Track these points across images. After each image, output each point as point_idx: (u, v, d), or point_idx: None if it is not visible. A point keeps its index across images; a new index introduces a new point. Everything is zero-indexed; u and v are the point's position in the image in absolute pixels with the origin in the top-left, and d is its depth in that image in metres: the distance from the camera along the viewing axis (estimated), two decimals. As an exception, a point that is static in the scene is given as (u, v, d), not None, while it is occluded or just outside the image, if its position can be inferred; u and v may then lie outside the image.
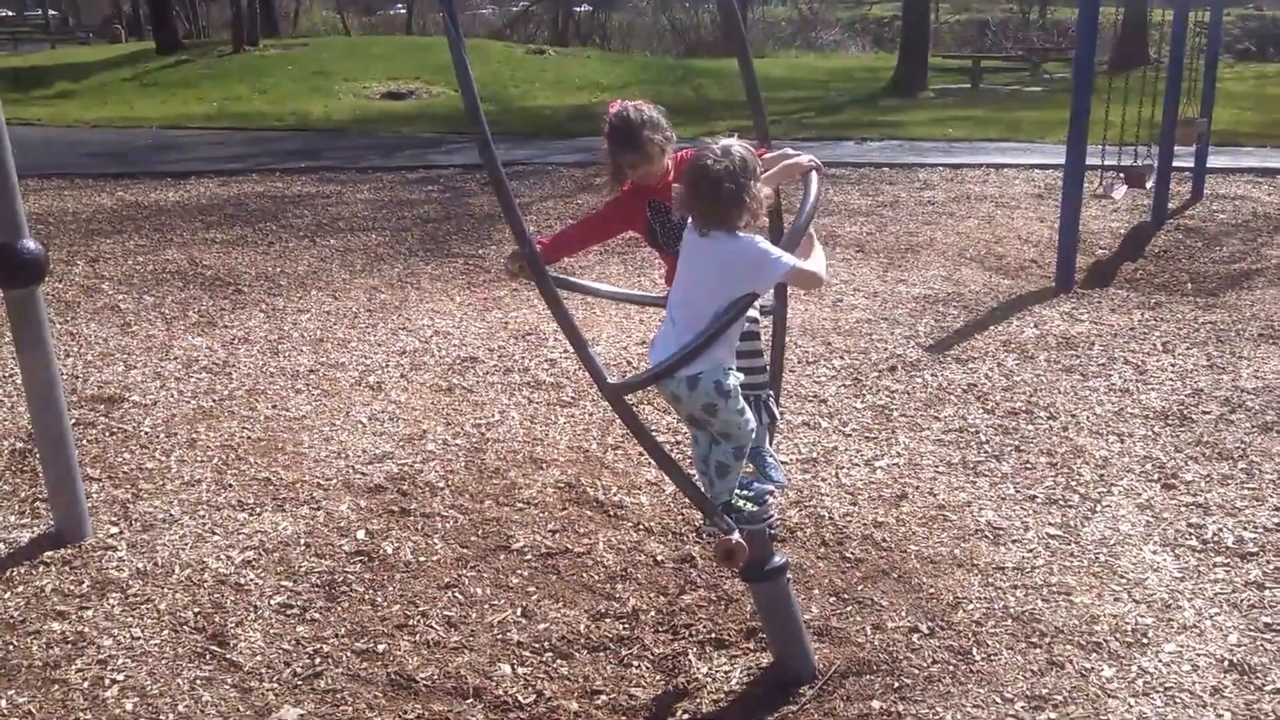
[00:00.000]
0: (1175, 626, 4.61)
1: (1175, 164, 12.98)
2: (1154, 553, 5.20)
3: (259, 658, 4.52)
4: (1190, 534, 5.37)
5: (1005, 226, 12.42)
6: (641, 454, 6.33)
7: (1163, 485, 5.90)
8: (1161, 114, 12.20)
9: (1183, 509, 5.63)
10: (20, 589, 5.01)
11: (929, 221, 12.66)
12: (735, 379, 3.94)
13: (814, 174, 4.18)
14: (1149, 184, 11.70)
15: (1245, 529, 5.40)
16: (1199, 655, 4.41)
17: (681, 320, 3.88)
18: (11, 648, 4.56)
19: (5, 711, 4.17)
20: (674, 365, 3.81)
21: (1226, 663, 4.35)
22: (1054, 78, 31.08)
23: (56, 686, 4.32)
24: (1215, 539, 5.31)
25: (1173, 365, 7.66)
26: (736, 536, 4.03)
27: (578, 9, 54.85)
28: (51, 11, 56.06)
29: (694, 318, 3.82)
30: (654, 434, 6.50)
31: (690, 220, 3.91)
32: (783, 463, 6.15)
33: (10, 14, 56.65)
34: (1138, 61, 22.85)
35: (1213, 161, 14.54)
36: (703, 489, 4.14)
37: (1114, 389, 7.24)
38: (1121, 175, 11.23)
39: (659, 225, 4.35)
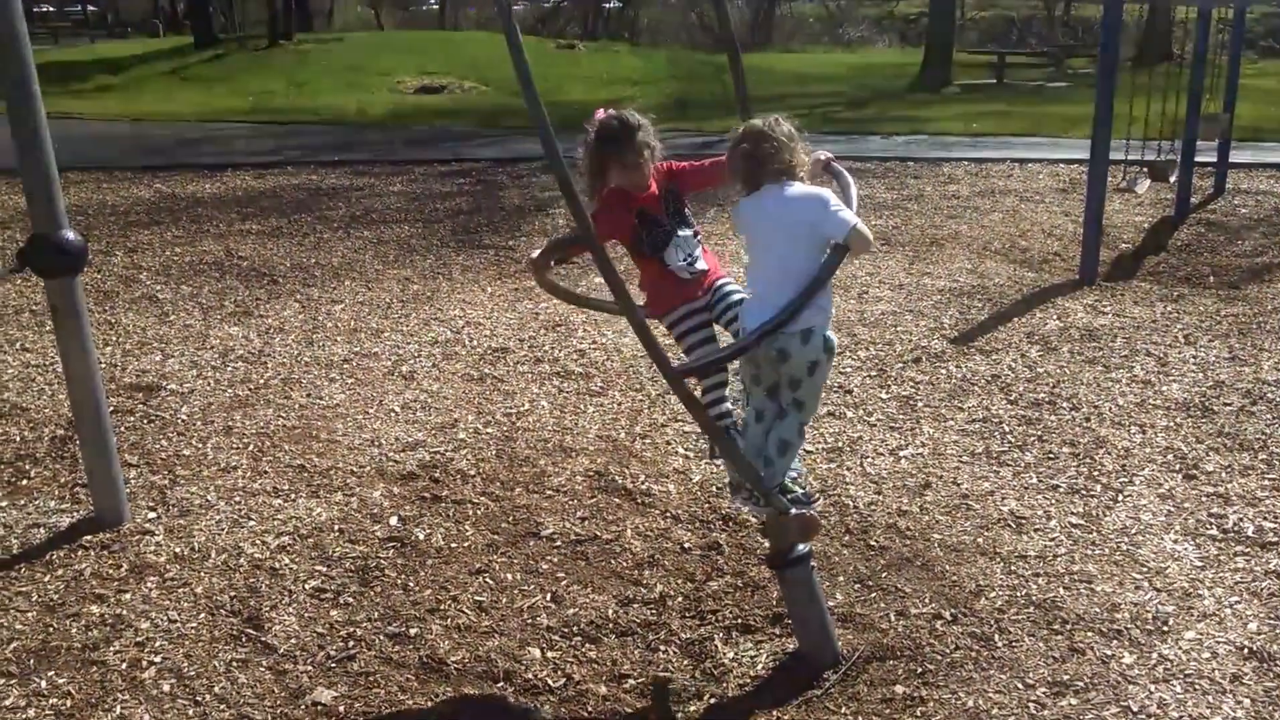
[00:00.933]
0: (1195, 614, 4.64)
1: (1198, 159, 12.99)
2: (1175, 542, 5.24)
3: (294, 641, 4.58)
4: (1211, 523, 5.41)
5: (1029, 220, 12.45)
6: (669, 443, 6.41)
7: (1184, 475, 5.93)
8: (1185, 109, 12.20)
9: (1204, 499, 5.66)
10: (60, 572, 5.09)
11: (954, 215, 12.69)
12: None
13: (835, 163, 4.31)
14: (1172, 179, 11.71)
15: (1266, 519, 5.43)
16: (1219, 643, 4.44)
17: (770, 281, 3.99)
18: (51, 630, 4.63)
19: (45, 692, 4.23)
20: (783, 321, 3.91)
21: (1246, 650, 4.38)
22: (1078, 73, 30.98)
23: (95, 668, 4.38)
24: (1236, 528, 5.34)
25: (1194, 357, 7.69)
26: (807, 510, 4.14)
27: (608, 4, 54.89)
28: (90, 7, 56.34)
29: (783, 275, 3.94)
30: (678, 426, 6.59)
31: (751, 192, 4.09)
32: (807, 452, 6.22)
33: (50, 9, 56.94)
34: (1161, 58, 22.78)
35: (1235, 157, 14.55)
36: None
37: (1136, 380, 7.28)
38: (1145, 170, 11.25)
39: (646, 233, 4.38)
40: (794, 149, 4.07)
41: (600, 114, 4.30)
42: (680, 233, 4.34)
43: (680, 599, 4.92)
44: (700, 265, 4.35)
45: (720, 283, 4.43)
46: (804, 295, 3.89)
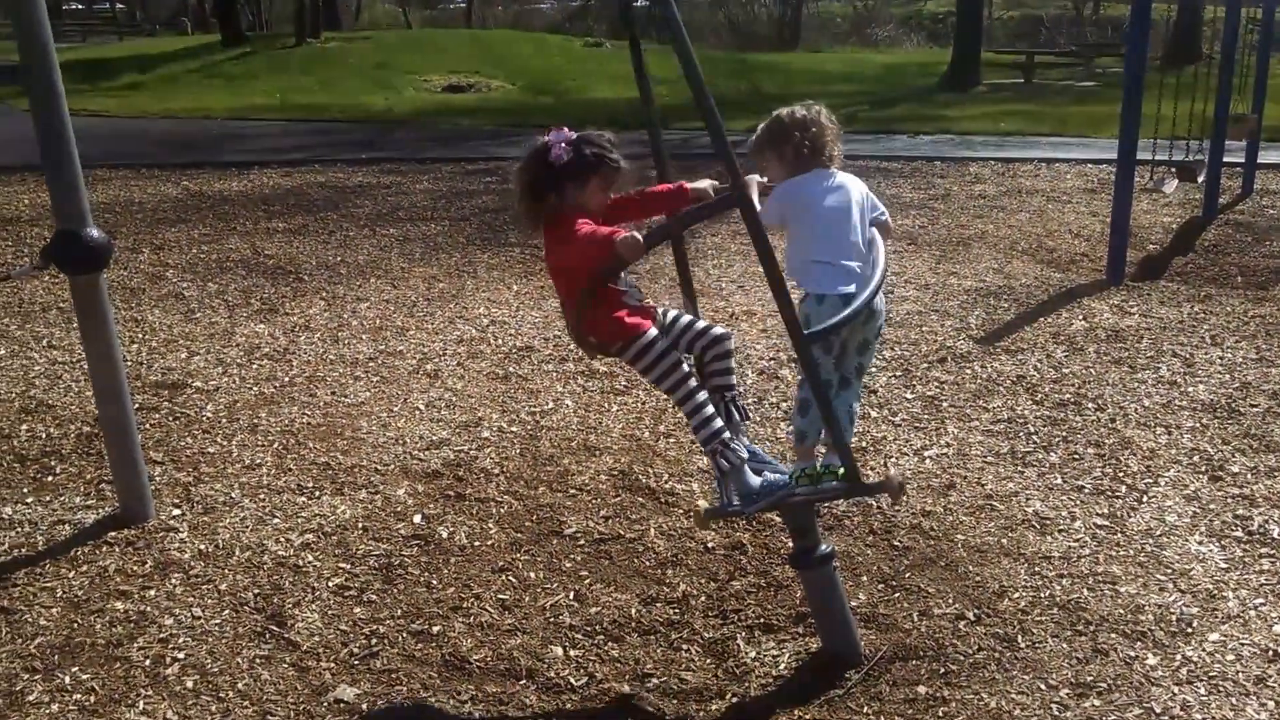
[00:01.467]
0: (1220, 616, 4.61)
1: (1226, 159, 12.90)
2: (1200, 543, 5.21)
3: (317, 638, 4.60)
4: (1236, 525, 5.37)
5: (1056, 220, 12.41)
6: (693, 442, 6.39)
7: (1209, 477, 5.90)
8: (1213, 110, 12.14)
9: (1229, 500, 5.63)
10: (85, 569, 5.13)
11: (980, 215, 12.66)
12: None
13: None
14: (1200, 179, 11.64)
15: (1292, 521, 5.41)
16: (1243, 645, 4.41)
17: (846, 252, 4.19)
18: (76, 626, 4.66)
19: (69, 687, 4.26)
20: (879, 284, 4.16)
21: (1271, 652, 4.35)
22: (1107, 73, 30.86)
23: (119, 664, 4.41)
24: (1261, 530, 5.31)
25: (1221, 358, 7.65)
26: (894, 472, 4.21)
27: (635, 3, 54.94)
28: (119, 4, 56.73)
29: (854, 245, 4.21)
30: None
31: (793, 175, 4.29)
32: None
33: (79, 7, 57.38)
34: (1190, 58, 22.66)
35: (1263, 157, 14.52)
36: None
37: (1162, 381, 7.25)
38: (1173, 170, 11.19)
39: None
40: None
41: (557, 133, 4.18)
42: None
43: (703, 598, 4.92)
44: (640, 291, 4.31)
45: (676, 314, 4.38)
46: (884, 266, 4.21)
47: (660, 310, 4.34)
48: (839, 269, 4.16)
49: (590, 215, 4.13)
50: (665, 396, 4.40)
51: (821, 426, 4.22)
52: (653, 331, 4.14)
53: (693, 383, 4.11)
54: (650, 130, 4.61)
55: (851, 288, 4.12)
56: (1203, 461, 6.08)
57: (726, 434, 4.16)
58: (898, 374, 7.48)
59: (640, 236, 3.78)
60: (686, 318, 4.36)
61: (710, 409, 4.15)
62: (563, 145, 4.09)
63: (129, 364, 7.64)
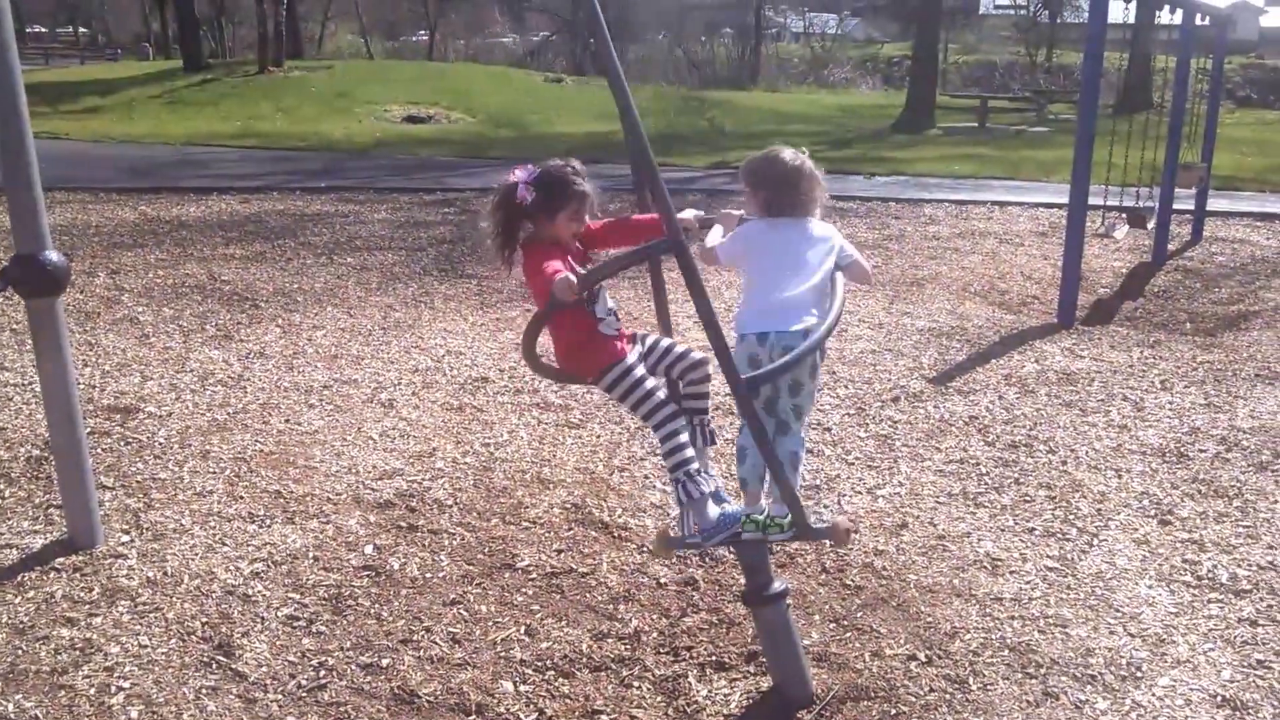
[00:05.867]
0: (1169, 661, 4.64)
1: (1176, 206, 13.14)
2: (1149, 587, 5.24)
3: (264, 669, 4.55)
4: (1185, 570, 5.41)
5: (1009, 263, 12.53)
6: (647, 477, 6.40)
7: (1159, 521, 5.94)
8: (1163, 157, 12.32)
9: (1178, 545, 5.67)
10: (31, 594, 5.06)
11: (934, 256, 12.76)
12: None
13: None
14: (1150, 225, 11.80)
15: (1239, 566, 5.44)
16: (1192, 690, 4.43)
17: (795, 293, 4.22)
18: (20, 652, 4.61)
19: (13, 715, 4.21)
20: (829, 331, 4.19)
21: (1219, 698, 4.38)
22: (1059, 119, 31.22)
23: (63, 692, 4.35)
24: (1210, 575, 5.35)
25: (1171, 403, 7.73)
26: (844, 517, 4.19)
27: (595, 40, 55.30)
28: (82, 29, 56.68)
29: (803, 290, 4.22)
30: (656, 460, 6.57)
31: (764, 216, 4.35)
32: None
33: (42, 30, 57.29)
34: (1142, 106, 22.97)
35: (1212, 205, 14.80)
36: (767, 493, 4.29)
37: (1113, 425, 7.31)
38: (1123, 216, 11.35)
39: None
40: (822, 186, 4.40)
41: (521, 171, 4.17)
42: (600, 285, 4.26)
43: (655, 634, 4.90)
44: (618, 319, 4.34)
45: (656, 338, 4.41)
46: (836, 311, 4.23)
47: (655, 338, 4.38)
48: (784, 307, 4.17)
49: (563, 245, 4.16)
50: (641, 423, 4.40)
51: (763, 473, 4.21)
52: (630, 358, 4.20)
53: (670, 409, 4.13)
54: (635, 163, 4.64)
55: (768, 328, 4.15)
56: (1152, 505, 6.13)
57: (695, 465, 4.16)
58: (851, 412, 7.51)
59: (574, 278, 3.81)
60: (666, 341, 4.39)
61: (685, 437, 4.16)
62: (526, 185, 4.09)
63: (82, 387, 7.57)
